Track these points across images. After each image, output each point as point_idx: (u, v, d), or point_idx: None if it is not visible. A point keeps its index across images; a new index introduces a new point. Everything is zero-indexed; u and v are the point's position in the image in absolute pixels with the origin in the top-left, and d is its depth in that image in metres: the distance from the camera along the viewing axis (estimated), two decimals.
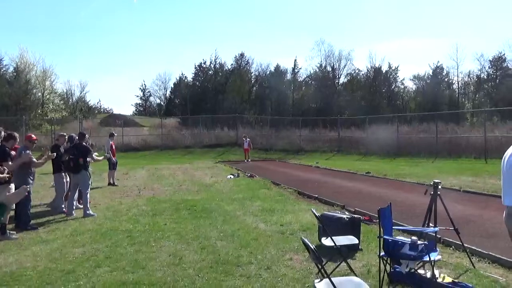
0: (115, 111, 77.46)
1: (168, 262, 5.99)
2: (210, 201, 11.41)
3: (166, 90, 73.05)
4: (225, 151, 35.72)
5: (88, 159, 9.98)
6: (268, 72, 62.84)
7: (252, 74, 64.44)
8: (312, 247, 3.61)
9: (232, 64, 63.09)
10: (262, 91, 61.94)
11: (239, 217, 9.16)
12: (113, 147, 15.76)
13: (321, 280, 3.89)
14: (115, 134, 16.71)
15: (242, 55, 63.45)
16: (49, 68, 52.55)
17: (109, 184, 15.07)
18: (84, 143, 10.15)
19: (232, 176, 17.56)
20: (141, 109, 79.17)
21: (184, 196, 12.43)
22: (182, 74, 73.65)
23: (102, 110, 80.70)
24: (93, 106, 75.50)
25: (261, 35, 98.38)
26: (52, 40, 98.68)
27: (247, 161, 28.45)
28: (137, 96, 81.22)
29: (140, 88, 79.17)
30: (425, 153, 27.69)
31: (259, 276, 5.40)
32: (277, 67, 63.17)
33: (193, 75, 63.62)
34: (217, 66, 61.86)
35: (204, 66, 62.16)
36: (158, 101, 76.72)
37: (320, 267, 3.75)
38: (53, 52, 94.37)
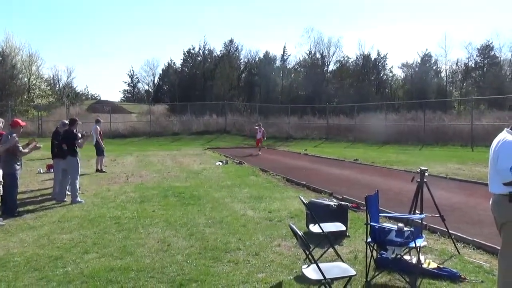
0: (103, 98, 77.07)
1: (157, 249, 6.00)
2: (199, 188, 11.41)
3: (155, 77, 72.47)
4: (214, 138, 35.68)
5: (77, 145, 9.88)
6: (257, 59, 62.56)
7: (241, 61, 64.07)
8: (300, 234, 3.64)
9: (221, 51, 62.66)
10: (251, 78, 61.67)
11: (227, 204, 9.19)
12: (101, 133, 15.64)
13: (308, 266, 3.93)
14: (101, 120, 16.56)
15: (231, 41, 63.04)
16: (35, 53, 52.08)
17: (97, 170, 14.98)
18: (73, 130, 10.02)
19: (220, 163, 17.56)
20: (129, 95, 78.61)
21: (172, 183, 12.41)
22: (170, 60, 73.16)
23: (89, 96, 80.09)
24: (80, 92, 74.88)
25: (251, 22, 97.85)
26: (38, 24, 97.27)
27: (259, 152, 23.82)
28: (125, 82, 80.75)
29: (128, 74, 78.79)
30: (413, 140, 27.92)
31: (247, 262, 5.44)
32: (266, 54, 62.89)
33: (182, 61, 63.08)
34: (206, 52, 61.33)
35: (193, 52, 61.61)
36: (147, 87, 76.18)
37: (307, 253, 3.78)
38: (39, 37, 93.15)
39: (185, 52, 62.01)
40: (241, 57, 63.99)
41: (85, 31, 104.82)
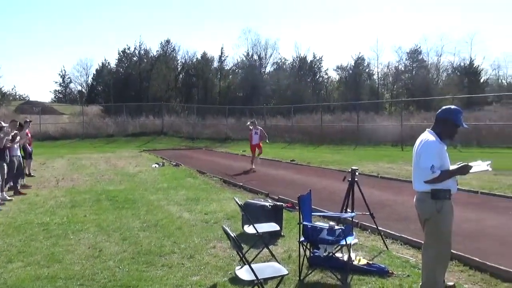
0: (32, 98, 73.12)
1: (87, 255, 5.79)
2: (133, 191, 11.15)
3: (88, 77, 69.79)
4: (151, 139, 35.02)
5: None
6: (194, 60, 62.03)
7: (179, 62, 63.30)
8: (232, 235, 3.64)
9: (157, 51, 61.49)
10: (189, 79, 61.05)
11: (163, 207, 9.04)
12: (29, 135, 14.88)
13: (241, 267, 3.94)
14: (29, 120, 15.73)
15: (168, 41, 62.04)
16: None
17: (25, 175, 14.23)
18: None
19: (157, 165, 17.26)
20: (61, 96, 75.25)
21: (106, 186, 12.05)
22: (105, 60, 70.65)
23: (17, 96, 75.90)
24: (7, 92, 70.83)
25: (188, 22, 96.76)
26: None
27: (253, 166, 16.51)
28: (56, 82, 76.84)
29: (59, 74, 75.08)
30: (347, 141, 28.75)
31: (181, 265, 5.38)
32: (204, 55, 62.39)
33: (117, 61, 61.21)
34: (142, 52, 60.05)
35: (128, 52, 60.05)
36: (79, 87, 73.17)
37: (240, 254, 3.79)
38: None
39: (120, 51, 60.36)
40: (178, 58, 63.23)
41: (12, 27, 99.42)
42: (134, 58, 60.05)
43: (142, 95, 53.08)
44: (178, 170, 16.12)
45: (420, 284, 4.27)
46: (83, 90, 71.13)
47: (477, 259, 5.20)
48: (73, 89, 75.30)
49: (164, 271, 5.18)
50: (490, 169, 4.28)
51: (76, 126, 37.10)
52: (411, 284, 4.64)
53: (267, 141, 17.63)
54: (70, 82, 73.96)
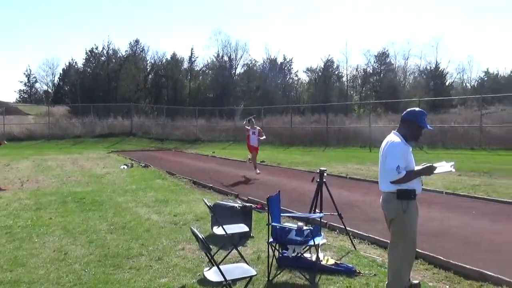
0: None
1: (52, 258, 5.66)
2: (101, 192, 10.96)
3: (54, 76, 68.39)
4: (119, 140, 34.49)
5: None
6: (164, 60, 61.53)
7: (148, 62, 62.68)
8: (201, 236, 3.62)
9: (126, 51, 60.76)
10: (158, 80, 60.56)
11: (131, 209, 8.92)
12: None
13: (210, 268, 3.92)
14: None
15: (137, 41, 61.37)
16: None
17: None
18: None
19: (125, 167, 17.02)
20: (26, 96, 73.38)
21: (72, 188, 11.80)
22: (72, 59, 69.46)
23: None
24: None
25: (157, 22, 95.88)
26: None
27: (249, 162, 15.61)
28: (21, 82, 74.93)
29: (24, 74, 73.22)
30: (317, 142, 29.00)
31: (149, 267, 5.32)
32: (174, 56, 61.98)
33: (84, 61, 60.13)
34: (110, 52, 59.18)
35: (96, 52, 59.09)
36: (45, 87, 71.67)
37: (209, 255, 3.77)
38: None
39: (87, 51, 59.31)
40: (147, 58, 62.62)
41: None
42: (102, 58, 59.14)
43: (111, 96, 52.28)
44: (147, 171, 15.94)
45: (386, 283, 4.35)
46: (49, 90, 69.69)
47: (441, 257, 5.33)
48: (38, 89, 73.74)
49: (131, 273, 5.11)
50: (453, 170, 4.39)
51: (41, 127, 36.24)
52: (377, 283, 4.72)
53: (263, 136, 15.47)
54: (36, 81, 72.38)
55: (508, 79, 58.98)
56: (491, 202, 9.36)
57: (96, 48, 58.95)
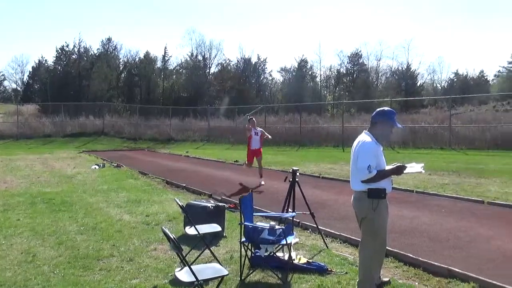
0: None
1: (20, 260, 5.53)
2: (71, 193, 10.76)
3: (24, 74, 66.98)
4: (91, 140, 33.97)
5: None
6: (137, 59, 60.81)
7: (121, 61, 61.87)
8: (172, 236, 3.59)
9: (98, 49, 59.86)
10: (131, 79, 59.80)
11: (102, 209, 8.78)
12: None
13: (181, 268, 3.89)
14: None
15: (109, 39, 60.56)
16: None
17: None
18: None
19: (97, 167, 16.76)
20: None
21: (41, 188, 11.55)
22: (42, 57, 68.20)
23: None
24: None
25: (130, 21, 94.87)
26: None
27: (245, 165, 14.12)
28: None
29: None
30: (290, 142, 29.10)
31: (120, 268, 5.25)
32: (147, 54, 61.32)
33: (55, 59, 58.89)
34: (82, 50, 58.15)
35: (67, 49, 57.94)
36: (14, 86, 70.12)
37: (180, 256, 3.74)
38: None
39: (58, 49, 58.12)
40: (120, 57, 61.85)
41: None
42: (73, 56, 58.09)
43: (82, 95, 51.52)
44: (119, 171, 15.74)
45: (357, 280, 4.40)
46: (18, 88, 68.15)
47: (410, 255, 5.43)
48: (7, 87, 71.99)
49: (102, 275, 5.04)
50: (423, 171, 4.47)
51: (10, 126, 35.40)
52: (348, 281, 4.77)
53: (267, 136, 13.39)
54: (4, 79, 70.75)
55: (476, 80, 60.55)
56: (459, 201, 9.57)
57: (67, 46, 57.89)
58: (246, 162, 13.75)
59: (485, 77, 62.35)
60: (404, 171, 4.25)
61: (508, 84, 53.70)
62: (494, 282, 4.52)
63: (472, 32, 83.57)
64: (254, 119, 13.53)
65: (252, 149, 13.13)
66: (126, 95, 58.14)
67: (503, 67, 59.86)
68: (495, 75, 62.58)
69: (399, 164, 4.28)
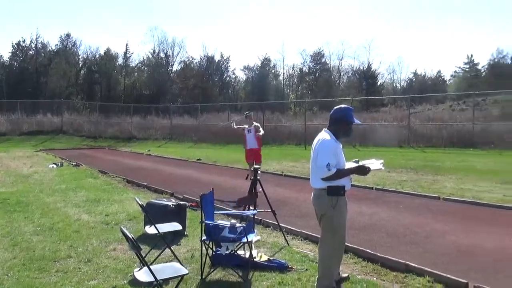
0: None
1: None
2: (27, 193, 10.43)
3: None
4: (48, 138, 33.02)
5: None
6: (97, 56, 59.49)
7: (80, 57, 60.38)
8: (130, 236, 3.53)
9: (56, 45, 58.22)
10: (91, 76, 58.46)
11: (60, 209, 8.56)
12: None
13: (140, 268, 3.83)
14: None
15: (68, 35, 58.98)
16: None
17: None
18: None
19: (54, 166, 16.31)
20: None
21: None
22: None
23: None
24: None
25: (90, 16, 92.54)
26: None
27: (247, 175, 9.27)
28: None
29: None
30: None
31: (78, 270, 5.12)
32: (108, 51, 60.03)
33: (10, 54, 56.91)
34: (39, 46, 56.41)
35: (24, 45, 56.09)
36: None
37: (139, 255, 3.69)
38: None
39: (14, 44, 56.13)
40: (79, 53, 60.35)
41: None
42: (30, 52, 56.25)
43: (39, 92, 49.99)
44: (78, 170, 15.37)
45: (317, 277, 4.44)
46: None
47: (369, 251, 5.53)
48: None
49: (58, 277, 4.91)
50: (383, 168, 4.56)
51: None
52: (309, 277, 4.81)
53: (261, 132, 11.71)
54: None
55: (434, 80, 62.32)
56: (416, 197, 9.84)
57: (24, 41, 55.97)
58: (247, 169, 11.82)
59: (442, 77, 64.23)
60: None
61: (464, 84, 55.52)
62: (448, 275, 4.66)
63: (430, 33, 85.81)
64: (251, 114, 12.34)
65: (249, 149, 11.92)
66: (86, 93, 56.79)
67: (459, 67, 61.88)
68: (451, 75, 64.64)
69: (361, 164, 4.33)
